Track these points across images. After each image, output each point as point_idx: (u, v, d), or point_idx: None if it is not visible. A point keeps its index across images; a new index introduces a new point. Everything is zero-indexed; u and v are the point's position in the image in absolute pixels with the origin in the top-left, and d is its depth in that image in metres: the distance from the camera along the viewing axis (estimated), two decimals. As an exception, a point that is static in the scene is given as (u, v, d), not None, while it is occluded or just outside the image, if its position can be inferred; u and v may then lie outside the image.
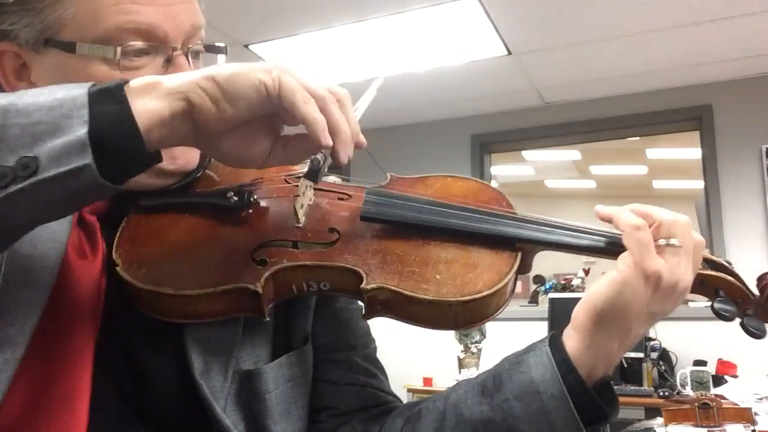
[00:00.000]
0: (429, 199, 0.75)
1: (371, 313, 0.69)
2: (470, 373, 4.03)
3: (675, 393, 3.45)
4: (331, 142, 0.60)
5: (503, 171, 6.48)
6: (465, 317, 0.69)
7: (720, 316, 0.72)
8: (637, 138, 5.33)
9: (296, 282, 0.71)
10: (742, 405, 1.87)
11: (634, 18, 3.46)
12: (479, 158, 4.90)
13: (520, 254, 0.72)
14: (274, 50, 3.84)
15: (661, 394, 3.47)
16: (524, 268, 0.73)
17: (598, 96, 4.50)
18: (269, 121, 0.63)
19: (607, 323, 0.67)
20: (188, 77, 0.59)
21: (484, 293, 0.67)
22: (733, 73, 4.13)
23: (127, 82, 0.58)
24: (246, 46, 3.77)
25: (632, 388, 3.55)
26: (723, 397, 2.14)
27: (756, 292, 0.74)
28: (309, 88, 0.60)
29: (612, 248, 0.69)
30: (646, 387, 3.58)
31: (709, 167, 4.23)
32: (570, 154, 6.27)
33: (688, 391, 3.34)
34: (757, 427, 1.69)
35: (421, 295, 0.67)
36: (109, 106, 0.55)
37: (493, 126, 4.86)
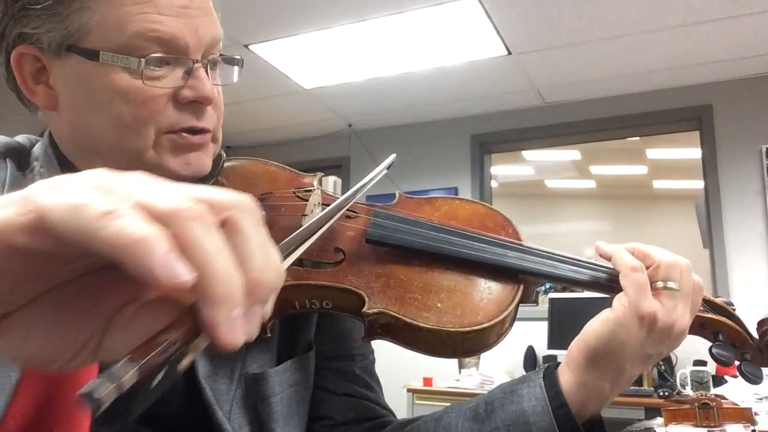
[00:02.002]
0: (436, 225, 0.76)
1: (371, 335, 0.70)
2: (470, 373, 4.03)
3: (675, 393, 3.44)
4: (187, 276, 0.30)
5: (503, 171, 6.47)
6: (464, 347, 0.69)
7: (717, 360, 0.73)
8: (637, 138, 5.33)
9: (299, 299, 0.71)
10: (742, 405, 1.87)
11: (634, 18, 3.46)
12: (479, 158, 4.90)
13: (522, 286, 0.72)
14: (274, 50, 3.85)
15: (661, 394, 3.47)
16: (526, 297, 0.73)
17: (598, 96, 4.50)
18: (93, 288, 0.36)
19: (600, 362, 0.67)
20: None
21: (484, 325, 0.68)
22: (733, 73, 4.13)
23: None
24: (246, 46, 3.77)
25: (632, 387, 3.52)
26: (723, 397, 2.14)
27: (756, 335, 0.75)
28: (127, 194, 0.31)
29: (614, 285, 0.70)
30: (646, 387, 3.57)
31: (709, 167, 4.23)
32: (570, 154, 6.27)
33: (688, 391, 3.33)
34: (757, 427, 1.68)
35: (421, 323, 0.67)
36: None
37: (493, 126, 4.86)
